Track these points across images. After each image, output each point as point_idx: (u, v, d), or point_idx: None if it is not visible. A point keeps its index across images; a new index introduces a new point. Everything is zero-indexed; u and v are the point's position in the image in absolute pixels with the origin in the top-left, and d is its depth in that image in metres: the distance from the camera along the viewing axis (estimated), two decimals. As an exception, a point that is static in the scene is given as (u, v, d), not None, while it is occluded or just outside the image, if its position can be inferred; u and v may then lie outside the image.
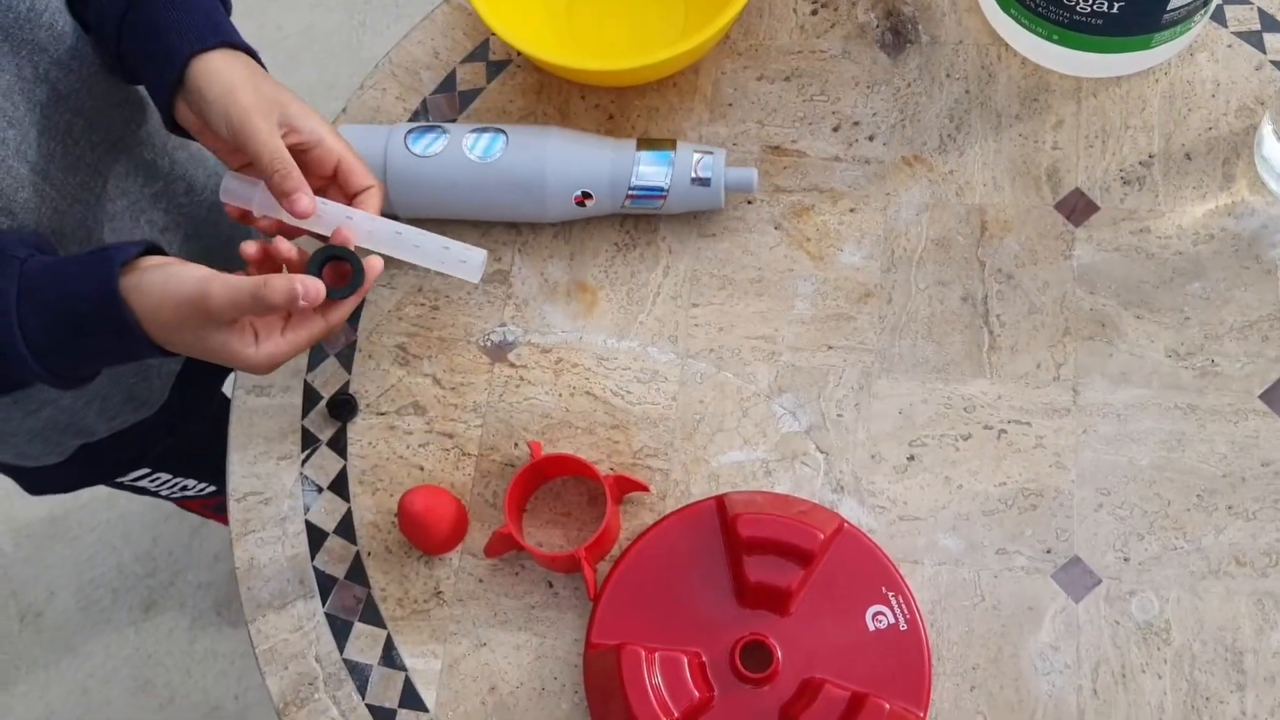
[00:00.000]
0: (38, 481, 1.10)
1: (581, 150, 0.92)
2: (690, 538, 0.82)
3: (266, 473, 0.92)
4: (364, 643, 0.86)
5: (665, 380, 0.91)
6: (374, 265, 0.77)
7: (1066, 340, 0.88)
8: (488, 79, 1.02)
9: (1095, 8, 0.87)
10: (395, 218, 0.91)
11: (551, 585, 0.86)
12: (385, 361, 0.94)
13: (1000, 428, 0.86)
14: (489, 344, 0.93)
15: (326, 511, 0.90)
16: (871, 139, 0.96)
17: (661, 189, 0.91)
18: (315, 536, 0.89)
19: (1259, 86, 0.93)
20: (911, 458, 0.86)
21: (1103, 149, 0.93)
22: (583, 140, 0.92)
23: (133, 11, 0.82)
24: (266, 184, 0.78)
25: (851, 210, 0.94)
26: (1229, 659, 0.79)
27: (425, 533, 0.84)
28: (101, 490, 1.22)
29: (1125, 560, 0.82)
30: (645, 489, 0.86)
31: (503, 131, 0.92)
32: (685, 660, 0.78)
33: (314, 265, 0.76)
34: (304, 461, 0.92)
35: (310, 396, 0.94)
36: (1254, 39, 0.95)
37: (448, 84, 1.02)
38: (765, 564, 0.79)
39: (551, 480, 0.89)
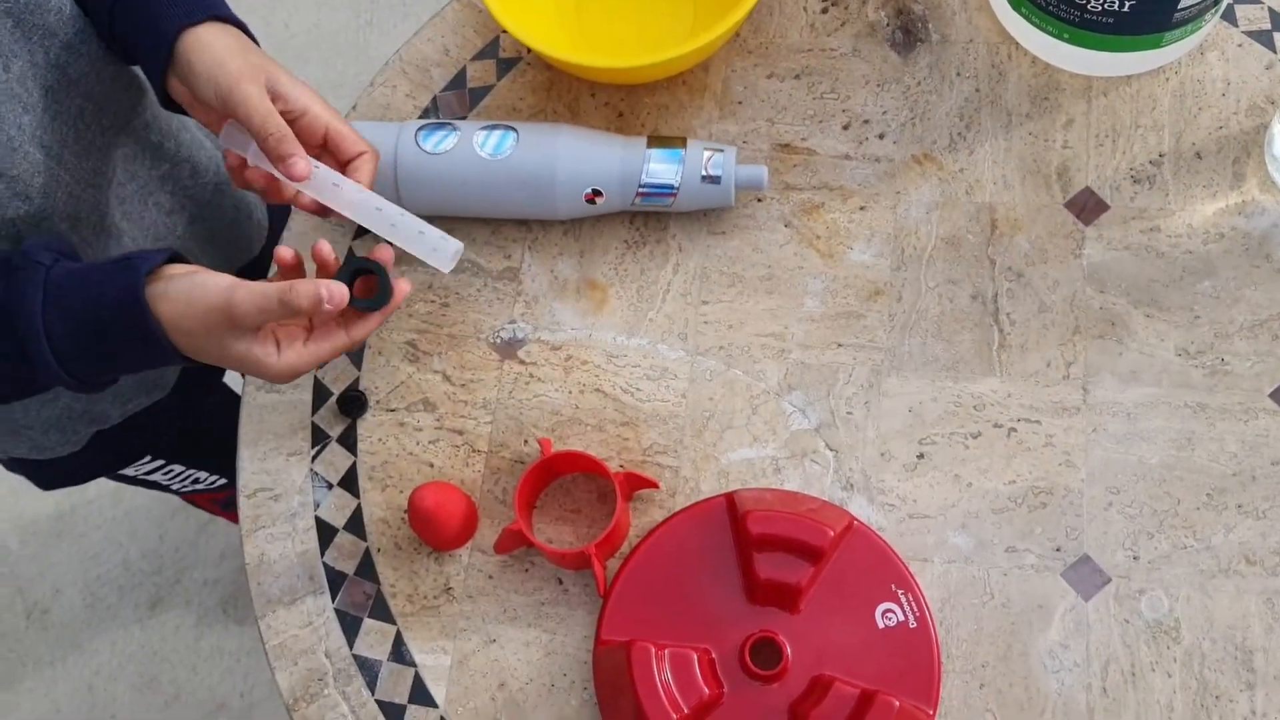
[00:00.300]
0: (51, 475, 1.10)
1: (592, 148, 0.92)
2: (700, 535, 0.83)
3: (277, 469, 0.92)
4: (374, 638, 0.86)
5: (675, 377, 0.91)
6: (402, 287, 0.78)
7: (1076, 339, 0.88)
8: (498, 76, 1.02)
9: (1106, 6, 0.87)
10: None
11: (561, 582, 0.86)
12: (395, 358, 0.94)
13: (1010, 426, 0.86)
14: (499, 341, 0.94)
15: (336, 507, 0.90)
16: (882, 137, 0.96)
17: (672, 187, 0.91)
18: (325, 532, 0.89)
19: (1269, 85, 0.93)
20: (921, 456, 0.86)
21: (1113, 148, 0.93)
22: (593, 138, 0.93)
23: None
24: (261, 148, 0.79)
25: (861, 208, 0.94)
26: (1239, 658, 0.79)
27: (435, 529, 0.84)
28: (108, 487, 1.23)
29: (1135, 559, 0.82)
30: (655, 486, 0.86)
31: (513, 129, 0.92)
32: (695, 657, 0.78)
33: (344, 274, 0.76)
34: (314, 458, 0.92)
35: (320, 393, 0.94)
36: (1264, 38, 0.95)
37: (458, 81, 1.02)
38: (775, 561, 0.79)
39: (561, 477, 0.89)
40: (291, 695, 0.85)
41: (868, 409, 0.88)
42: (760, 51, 1.00)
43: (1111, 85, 0.95)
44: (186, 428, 1.15)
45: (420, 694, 0.84)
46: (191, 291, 0.73)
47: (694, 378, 0.91)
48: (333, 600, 0.88)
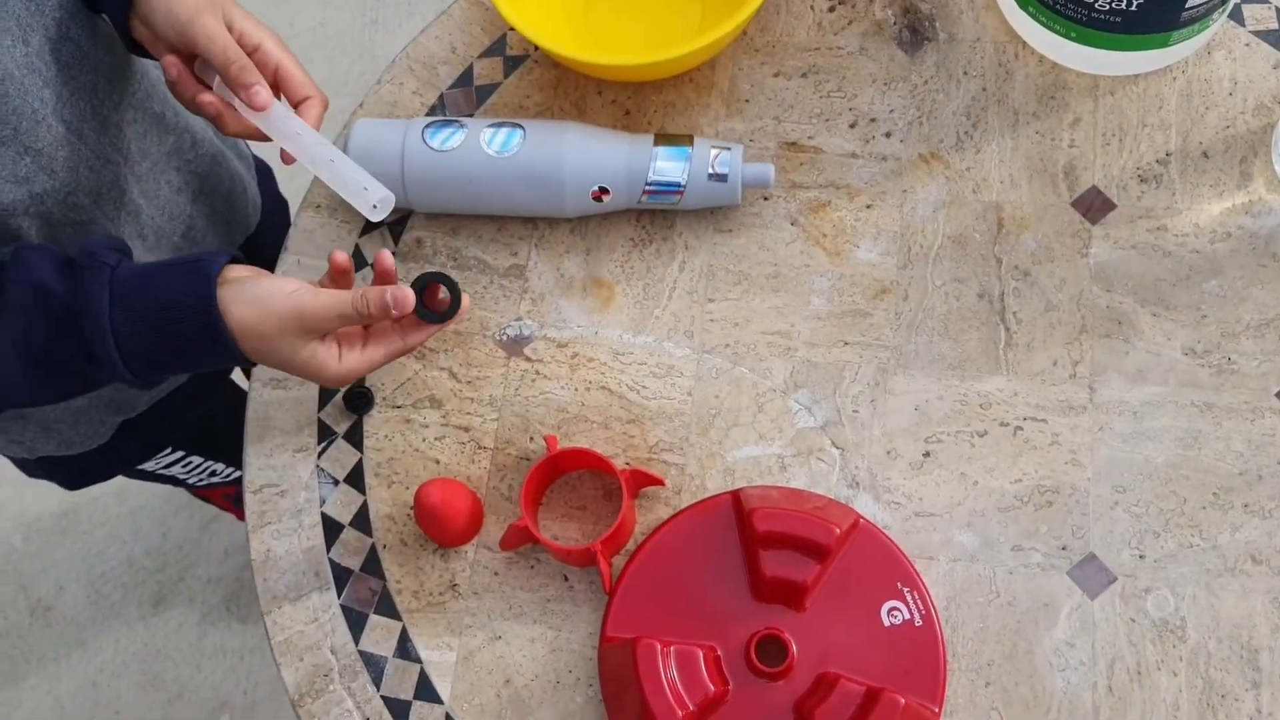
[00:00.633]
0: (77, 472, 1.11)
1: (599, 145, 0.92)
2: (705, 532, 0.83)
3: (283, 465, 0.92)
4: (379, 635, 0.86)
5: (681, 375, 0.91)
6: (466, 303, 0.81)
7: (1083, 338, 0.88)
8: (505, 74, 1.02)
9: (1114, 5, 0.87)
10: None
11: (567, 579, 0.86)
12: (401, 355, 0.94)
13: (1016, 424, 0.86)
14: (505, 338, 0.94)
15: (342, 504, 0.90)
16: (888, 136, 0.96)
17: (678, 184, 0.91)
18: (331, 529, 0.90)
19: (1276, 85, 0.93)
20: (927, 454, 0.86)
21: (1120, 147, 0.93)
22: (600, 135, 0.93)
23: None
24: (222, 77, 0.80)
25: (868, 207, 0.94)
26: (1244, 657, 0.79)
27: (441, 525, 0.84)
28: (112, 484, 1.23)
29: (1141, 558, 0.82)
30: (661, 483, 0.86)
31: (520, 126, 0.93)
32: (700, 654, 0.78)
33: (416, 284, 0.80)
34: (320, 454, 0.92)
35: (326, 389, 0.94)
36: (1272, 38, 0.95)
37: (465, 79, 1.03)
38: (781, 559, 0.79)
39: (567, 474, 0.89)
40: (297, 691, 0.85)
41: (874, 407, 0.88)
42: (767, 50, 1.00)
43: (1119, 84, 0.95)
44: (205, 415, 1.16)
45: (425, 690, 0.84)
46: (261, 295, 0.75)
47: (700, 375, 0.91)
48: (338, 596, 0.88)
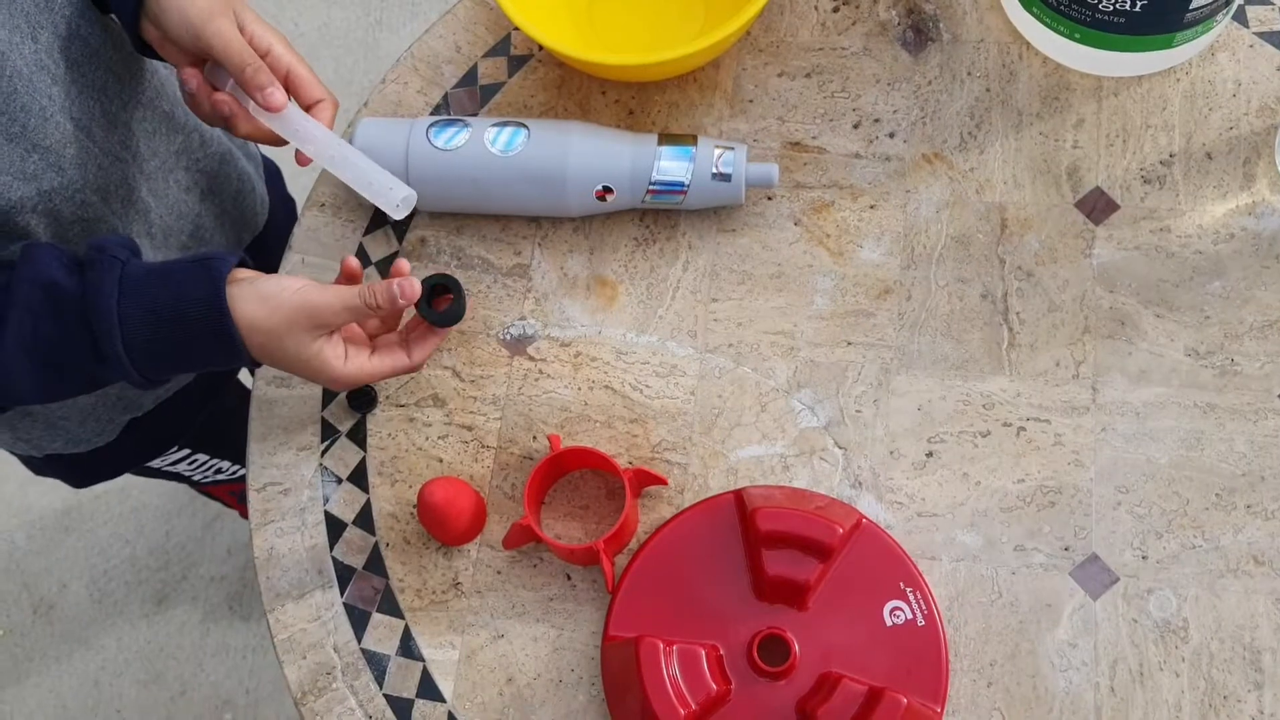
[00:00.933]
0: (84, 470, 1.11)
1: (603, 145, 0.92)
2: (708, 531, 0.83)
3: (286, 463, 0.92)
4: (382, 633, 0.86)
5: (684, 375, 0.91)
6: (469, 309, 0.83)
7: (1086, 338, 0.88)
8: (509, 74, 1.02)
9: (1118, 6, 0.87)
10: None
11: (569, 578, 0.86)
12: (405, 354, 0.94)
13: (1019, 425, 0.86)
14: (508, 337, 0.94)
15: (345, 502, 0.90)
16: (892, 136, 0.96)
17: (682, 184, 0.91)
18: (334, 527, 0.90)
19: (1280, 87, 0.93)
20: (930, 454, 0.86)
21: (1123, 148, 0.93)
22: (604, 135, 0.93)
23: None
24: (237, 80, 0.81)
25: (871, 207, 0.94)
26: (1247, 658, 0.79)
27: (444, 524, 0.84)
28: (116, 482, 1.23)
29: (1143, 558, 0.82)
30: (664, 482, 0.86)
31: (524, 126, 0.93)
32: (703, 653, 0.78)
33: (424, 284, 0.81)
34: (323, 452, 0.92)
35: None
36: (1275, 39, 0.95)
37: (469, 78, 1.03)
38: (783, 558, 0.79)
39: (570, 473, 0.89)
40: (300, 689, 0.85)
41: (877, 407, 0.88)
42: (771, 50, 1.00)
43: (1122, 85, 0.95)
44: (212, 414, 1.16)
45: (428, 688, 0.85)
46: (269, 292, 0.76)
47: (703, 375, 0.91)
48: (341, 594, 0.88)
